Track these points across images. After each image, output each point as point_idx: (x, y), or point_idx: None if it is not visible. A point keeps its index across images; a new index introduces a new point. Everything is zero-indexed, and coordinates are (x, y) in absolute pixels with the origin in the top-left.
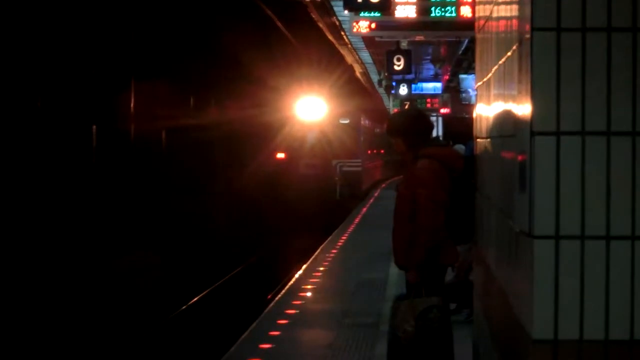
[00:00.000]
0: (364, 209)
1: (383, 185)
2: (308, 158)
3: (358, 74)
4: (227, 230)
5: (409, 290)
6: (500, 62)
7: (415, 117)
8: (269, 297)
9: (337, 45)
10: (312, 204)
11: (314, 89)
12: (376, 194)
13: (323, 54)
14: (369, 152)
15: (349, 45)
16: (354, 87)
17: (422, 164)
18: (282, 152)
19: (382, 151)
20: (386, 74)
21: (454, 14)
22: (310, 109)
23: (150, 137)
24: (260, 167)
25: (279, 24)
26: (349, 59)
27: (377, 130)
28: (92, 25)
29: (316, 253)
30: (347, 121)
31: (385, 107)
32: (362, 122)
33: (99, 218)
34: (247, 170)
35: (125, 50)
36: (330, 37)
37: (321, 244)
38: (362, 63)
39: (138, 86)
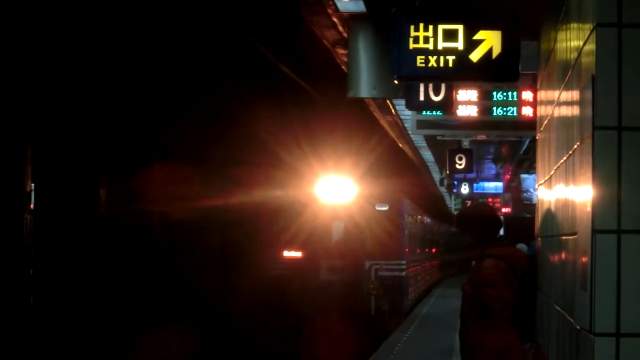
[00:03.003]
0: (425, 309)
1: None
2: (332, 258)
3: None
4: None
5: None
6: (561, 161)
7: (486, 214)
8: None
9: (399, 143)
10: (335, 321)
11: (343, 165)
12: (437, 292)
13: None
14: (418, 250)
15: (410, 144)
16: (398, 163)
17: (488, 264)
18: (296, 248)
19: (435, 250)
20: (448, 173)
21: (515, 114)
22: (335, 191)
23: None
24: (266, 269)
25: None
26: (410, 154)
27: (429, 221)
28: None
29: (375, 354)
30: (385, 208)
31: (441, 193)
32: (408, 210)
33: None
34: (249, 273)
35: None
36: (391, 134)
37: None
38: (423, 162)
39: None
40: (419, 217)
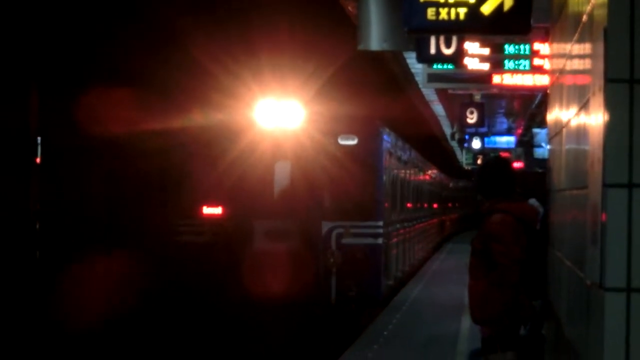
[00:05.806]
0: (436, 264)
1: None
2: (271, 217)
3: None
4: None
5: (484, 345)
6: (573, 114)
7: (494, 167)
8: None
9: (411, 98)
10: (276, 315)
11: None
12: (446, 249)
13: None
14: (409, 205)
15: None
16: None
17: (496, 218)
18: (216, 203)
19: (437, 205)
20: (459, 127)
21: (527, 67)
22: (279, 118)
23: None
24: (170, 231)
25: None
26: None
27: (427, 163)
28: None
29: (387, 307)
30: (353, 142)
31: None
32: (389, 146)
33: None
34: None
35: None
36: (403, 86)
37: None
38: (435, 116)
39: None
40: (410, 156)
